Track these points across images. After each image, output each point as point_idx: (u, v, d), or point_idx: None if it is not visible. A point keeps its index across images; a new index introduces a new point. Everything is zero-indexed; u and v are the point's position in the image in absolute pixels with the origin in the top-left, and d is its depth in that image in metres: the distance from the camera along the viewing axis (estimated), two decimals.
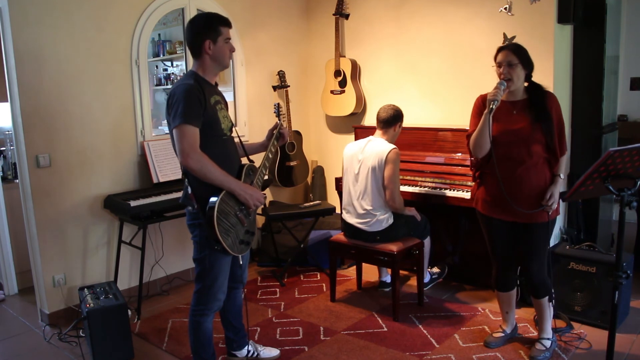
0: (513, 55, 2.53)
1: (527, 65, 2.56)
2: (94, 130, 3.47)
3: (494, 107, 2.46)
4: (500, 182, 2.53)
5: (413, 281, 3.78)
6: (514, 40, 3.59)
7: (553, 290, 2.74)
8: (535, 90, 2.62)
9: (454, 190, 3.49)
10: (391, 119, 3.29)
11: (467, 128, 3.60)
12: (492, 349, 2.84)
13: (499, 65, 2.57)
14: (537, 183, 2.58)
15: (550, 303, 2.73)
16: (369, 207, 3.21)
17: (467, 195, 3.38)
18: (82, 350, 2.98)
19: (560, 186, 2.63)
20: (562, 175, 2.63)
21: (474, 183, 2.83)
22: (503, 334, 2.91)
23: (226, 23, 2.33)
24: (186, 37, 2.38)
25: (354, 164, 3.31)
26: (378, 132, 3.34)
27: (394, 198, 3.19)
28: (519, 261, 2.78)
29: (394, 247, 3.18)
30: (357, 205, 3.27)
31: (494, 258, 2.82)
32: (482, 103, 2.69)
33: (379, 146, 3.22)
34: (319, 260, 4.20)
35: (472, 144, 2.61)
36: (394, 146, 3.21)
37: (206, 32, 2.28)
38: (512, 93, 2.62)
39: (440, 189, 3.53)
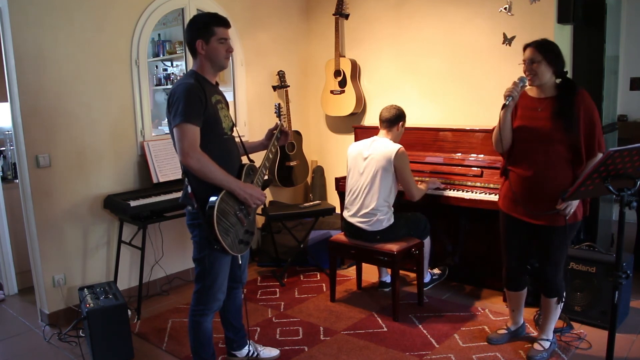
0: (537, 53, 2.48)
1: (553, 62, 2.48)
2: (94, 130, 3.47)
3: (507, 103, 2.44)
4: (514, 181, 2.49)
5: (413, 281, 3.78)
6: (514, 41, 3.60)
7: (565, 295, 2.70)
8: (566, 87, 2.51)
9: (454, 190, 3.48)
10: (394, 118, 3.30)
11: (467, 128, 3.64)
12: (493, 346, 2.84)
13: (525, 62, 2.51)
14: (556, 184, 2.47)
15: (558, 306, 2.70)
16: (370, 207, 3.21)
17: (466, 195, 3.38)
18: (82, 350, 2.98)
19: None
20: None
21: (501, 178, 2.77)
22: (506, 332, 2.91)
23: (222, 23, 2.31)
24: (184, 37, 2.38)
25: (358, 164, 3.31)
26: (382, 131, 3.35)
27: (413, 196, 3.28)
28: (533, 261, 2.73)
29: (394, 247, 3.18)
30: (359, 204, 3.27)
31: (505, 256, 2.78)
32: None
33: (384, 146, 3.22)
34: (319, 260, 4.20)
35: (493, 139, 2.60)
36: (399, 145, 3.20)
37: (199, 32, 2.28)
38: (541, 89, 2.54)
39: (441, 189, 3.53)
